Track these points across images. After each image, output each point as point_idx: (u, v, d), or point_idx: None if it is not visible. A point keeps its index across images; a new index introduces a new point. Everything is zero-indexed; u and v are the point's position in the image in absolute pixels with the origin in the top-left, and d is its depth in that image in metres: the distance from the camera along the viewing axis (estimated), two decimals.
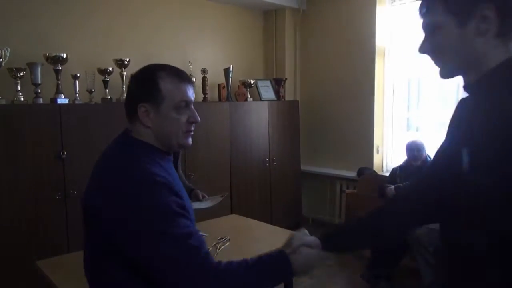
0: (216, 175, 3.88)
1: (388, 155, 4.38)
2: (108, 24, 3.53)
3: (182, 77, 1.15)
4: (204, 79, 3.99)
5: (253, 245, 2.29)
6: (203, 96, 3.98)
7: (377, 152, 4.35)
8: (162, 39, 3.89)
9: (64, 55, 3.06)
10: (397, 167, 3.64)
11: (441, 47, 0.90)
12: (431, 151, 3.61)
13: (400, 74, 4.24)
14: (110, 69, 3.31)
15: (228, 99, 4.13)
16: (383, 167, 4.39)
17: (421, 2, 0.92)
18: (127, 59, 3.39)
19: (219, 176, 3.89)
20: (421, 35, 0.95)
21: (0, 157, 2.66)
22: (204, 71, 3.99)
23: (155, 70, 1.14)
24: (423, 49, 0.93)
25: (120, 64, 3.38)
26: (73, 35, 3.33)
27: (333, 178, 4.51)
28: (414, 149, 3.43)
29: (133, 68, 3.41)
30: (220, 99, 4.20)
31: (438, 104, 3.96)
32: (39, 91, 3.01)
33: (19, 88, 2.91)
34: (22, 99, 2.91)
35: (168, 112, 1.11)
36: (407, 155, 3.50)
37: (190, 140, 1.18)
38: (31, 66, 2.97)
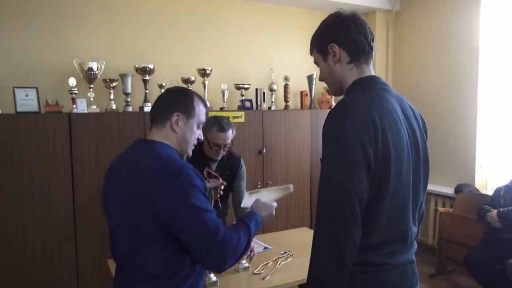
0: (295, 186, 3.77)
1: (494, 172, 3.81)
2: (191, 34, 3.69)
3: (206, 105, 1.48)
4: (286, 87, 3.93)
5: None
6: (284, 104, 3.92)
7: (480, 167, 3.82)
8: (244, 47, 3.94)
9: (152, 66, 3.27)
10: (502, 186, 3.14)
11: (322, 76, 1.30)
12: None
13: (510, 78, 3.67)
14: (193, 78, 3.45)
15: (311, 106, 4.01)
16: (487, 185, 3.83)
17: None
18: (209, 69, 3.49)
19: (298, 186, 3.78)
20: None
21: (90, 161, 2.93)
22: (286, 78, 3.93)
23: (191, 92, 1.46)
24: (319, 78, 1.33)
25: (203, 73, 3.50)
26: (160, 47, 3.54)
27: (427, 194, 4.05)
28: None
29: (215, 77, 3.57)
30: (302, 107, 4.09)
31: None
32: (129, 100, 3.26)
33: (112, 97, 3.18)
34: (114, 107, 3.17)
35: (193, 126, 1.41)
36: None
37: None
38: (123, 77, 3.23)
